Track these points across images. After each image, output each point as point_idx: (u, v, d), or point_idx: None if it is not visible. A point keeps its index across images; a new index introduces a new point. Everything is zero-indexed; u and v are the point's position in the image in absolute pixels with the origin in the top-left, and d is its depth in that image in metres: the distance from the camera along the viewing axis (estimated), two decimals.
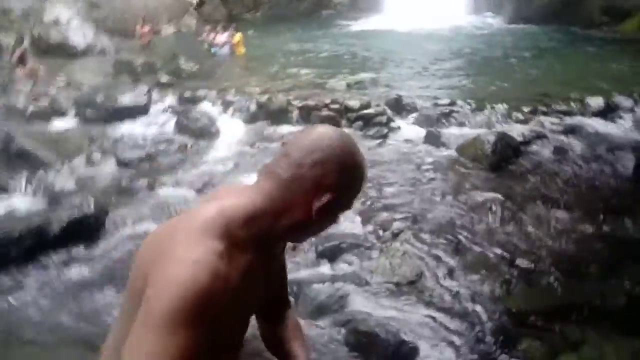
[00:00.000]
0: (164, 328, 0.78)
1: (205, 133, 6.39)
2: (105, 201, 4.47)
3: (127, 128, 6.64)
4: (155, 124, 6.80)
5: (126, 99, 7.06)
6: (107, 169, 5.56)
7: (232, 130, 6.52)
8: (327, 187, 0.96)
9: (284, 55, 10.58)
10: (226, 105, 7.03)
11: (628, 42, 10.63)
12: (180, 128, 6.49)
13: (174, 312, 0.79)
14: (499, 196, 4.29)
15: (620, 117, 5.94)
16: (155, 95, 7.52)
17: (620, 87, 6.68)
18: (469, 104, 6.27)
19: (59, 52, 11.03)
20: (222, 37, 11.10)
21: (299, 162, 0.96)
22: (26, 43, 10.57)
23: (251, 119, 6.70)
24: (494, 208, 4.09)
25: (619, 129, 5.69)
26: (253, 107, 6.76)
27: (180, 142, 6.16)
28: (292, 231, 1.00)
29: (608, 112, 5.99)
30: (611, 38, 11.18)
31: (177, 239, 0.88)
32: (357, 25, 15.55)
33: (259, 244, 0.95)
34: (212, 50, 11.08)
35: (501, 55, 9.83)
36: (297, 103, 6.65)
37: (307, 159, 0.96)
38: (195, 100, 7.21)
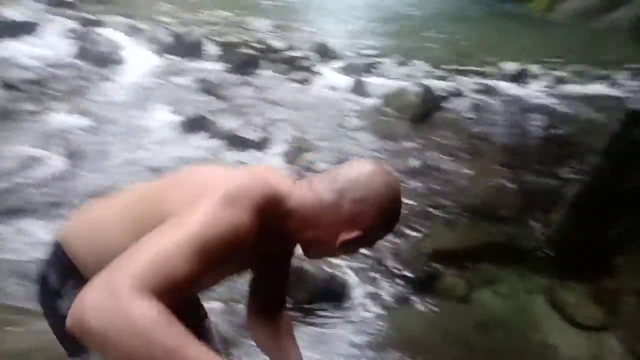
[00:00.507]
0: (223, 201, 0.81)
1: (110, 60, 5.70)
2: None
3: (15, 47, 5.73)
4: (50, 46, 5.93)
5: (12, 13, 6.07)
6: None
7: (140, 60, 5.90)
8: (360, 225, 0.97)
9: None
10: (135, 32, 6.33)
11: (534, 19, 11.28)
12: (80, 52, 5.72)
13: (232, 193, 0.83)
14: (421, 146, 4.33)
15: (531, 83, 6.25)
16: (50, 14, 6.57)
17: (530, 57, 7.04)
18: (393, 57, 6.23)
19: None
20: None
21: (343, 193, 0.97)
22: None
23: (163, 50, 6.10)
24: (415, 156, 4.10)
25: (529, 93, 5.98)
26: (166, 37, 6.15)
27: (79, 67, 5.45)
28: (309, 245, 1.03)
29: (520, 77, 6.28)
30: (521, 13, 11.77)
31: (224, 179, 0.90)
32: None
33: (275, 235, 0.95)
34: None
35: (421, 17, 9.94)
36: (216, 38, 6.17)
37: (351, 193, 0.96)
38: (99, 24, 6.39)
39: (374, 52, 6.24)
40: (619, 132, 3.03)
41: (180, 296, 0.73)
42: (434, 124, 4.84)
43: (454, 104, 5.33)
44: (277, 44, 5.93)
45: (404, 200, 3.18)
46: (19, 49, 5.69)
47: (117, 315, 0.65)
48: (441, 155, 4.20)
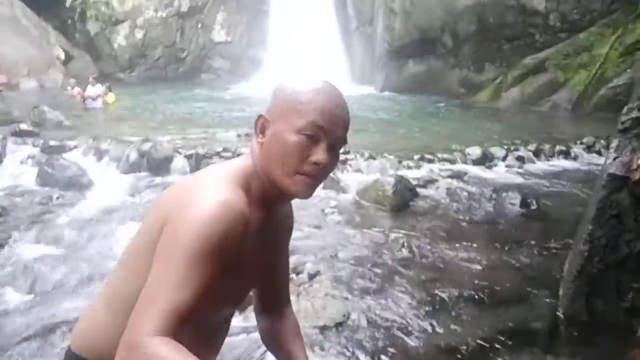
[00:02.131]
0: (191, 258, 0.86)
1: (75, 184, 5.54)
2: None
3: None
4: (11, 175, 5.77)
5: None
6: None
7: (107, 181, 5.77)
8: (276, 112, 0.99)
9: (164, 112, 10.04)
10: (100, 154, 6.27)
11: (483, 108, 12.05)
12: (44, 179, 5.56)
13: (200, 245, 0.86)
14: (406, 234, 4.23)
15: (496, 165, 6.45)
16: (11, 145, 6.47)
17: (489, 141, 7.36)
18: (361, 153, 6.34)
19: None
20: (94, 90, 10.25)
21: (275, 97, 1.02)
22: None
23: (130, 168, 6.02)
24: (403, 245, 3.97)
25: (497, 173, 6.15)
26: (133, 155, 6.09)
27: (43, 194, 5.24)
28: (268, 173, 0.98)
29: (485, 160, 6.47)
30: (469, 105, 12.57)
31: (201, 185, 0.95)
32: (238, 89, 15.61)
33: (264, 202, 1.00)
34: (85, 102, 10.16)
35: (380, 116, 10.44)
36: (184, 152, 6.16)
37: (281, 94, 1.01)
38: (63, 150, 6.32)
39: (342, 149, 6.33)
40: (603, 198, 3.02)
41: (192, 320, 0.86)
42: (414, 212, 4.80)
43: (429, 190, 5.36)
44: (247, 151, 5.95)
45: (405, 290, 2.98)
46: None
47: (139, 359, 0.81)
48: (428, 242, 4.10)
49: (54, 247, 4.15)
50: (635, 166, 3.02)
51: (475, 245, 4.13)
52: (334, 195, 5.16)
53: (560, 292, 3.14)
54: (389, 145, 7.01)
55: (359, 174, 5.76)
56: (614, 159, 3.12)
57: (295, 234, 3.97)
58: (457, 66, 13.83)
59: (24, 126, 6.78)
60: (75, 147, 6.44)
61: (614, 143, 3.39)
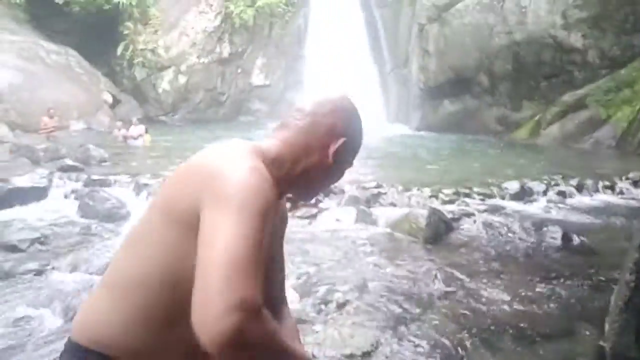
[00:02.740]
0: (241, 213, 0.85)
1: (114, 216, 5.71)
2: None
3: (21, 211, 5.78)
4: (55, 207, 6.01)
5: (22, 180, 6.25)
6: None
7: None
8: (340, 132, 1.09)
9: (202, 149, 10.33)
10: (139, 188, 6.46)
11: (522, 146, 11.81)
12: (84, 211, 5.75)
13: (245, 201, 0.86)
14: (439, 267, 4.08)
15: (536, 200, 6.23)
16: (58, 180, 6.78)
17: (528, 176, 7.15)
18: (395, 187, 6.28)
19: None
20: (136, 129, 10.72)
21: (314, 112, 1.09)
22: None
23: None
24: (437, 277, 3.83)
25: (536, 208, 5.93)
26: None
27: (83, 225, 5.41)
28: (306, 176, 1.07)
29: (524, 195, 6.28)
30: (507, 143, 12.35)
31: (229, 155, 0.97)
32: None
33: (276, 187, 1.00)
34: (127, 141, 10.63)
35: (414, 154, 10.38)
36: None
37: (320, 109, 1.09)
38: (104, 184, 6.56)
39: (375, 183, 6.30)
40: None
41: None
42: (448, 245, 4.66)
43: (464, 224, 5.21)
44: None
45: (439, 323, 2.87)
46: (27, 213, 5.75)
47: (261, 328, 0.80)
48: (464, 275, 3.94)
49: (90, 274, 4.23)
50: None
51: (514, 279, 3.94)
52: (365, 227, 5.09)
53: (607, 326, 2.94)
54: (422, 180, 6.92)
55: (392, 207, 5.69)
56: None
57: (325, 263, 3.92)
58: (494, 104, 13.72)
59: (69, 162, 7.10)
60: (116, 181, 6.67)
61: None
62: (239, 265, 0.79)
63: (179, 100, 17.81)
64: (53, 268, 4.27)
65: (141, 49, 17.22)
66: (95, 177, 6.66)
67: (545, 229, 5.01)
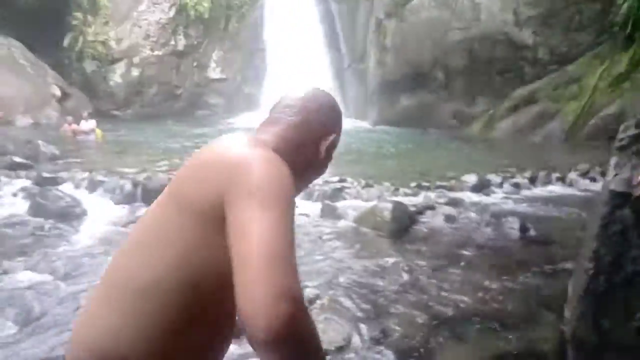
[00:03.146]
0: (272, 205, 0.84)
1: (69, 214, 5.45)
2: None
3: None
4: (3, 207, 5.67)
5: None
6: None
7: (101, 212, 5.68)
8: (330, 128, 1.13)
9: (156, 146, 10.06)
10: (94, 185, 6.21)
11: (477, 140, 12.17)
12: (36, 210, 5.46)
13: (275, 192, 0.86)
14: (405, 259, 4.14)
15: (494, 192, 6.43)
16: (4, 178, 6.40)
17: (485, 169, 7.36)
18: (357, 181, 6.32)
19: None
20: (87, 125, 10.29)
21: (305, 108, 1.11)
22: None
23: (125, 199, 5.95)
24: (404, 270, 3.89)
25: (494, 200, 6.12)
26: (128, 186, 6.04)
27: (36, 225, 5.14)
28: (298, 171, 1.04)
29: (482, 187, 6.46)
30: (462, 137, 12.70)
31: (243, 150, 0.97)
32: (232, 124, 15.73)
33: None
34: (77, 137, 10.18)
35: (375, 148, 10.49)
36: None
37: (310, 105, 1.12)
38: (56, 182, 6.25)
39: (338, 178, 6.32)
40: (607, 215, 2.98)
41: None
42: (413, 238, 4.73)
43: (427, 217, 5.31)
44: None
45: (407, 314, 2.90)
46: None
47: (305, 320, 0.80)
48: (429, 267, 4.01)
49: (44, 276, 4.02)
50: (636, 182, 3.01)
51: (477, 269, 4.04)
52: (331, 222, 5.10)
53: (566, 313, 3.06)
54: (384, 174, 7.01)
55: (356, 201, 5.72)
56: (614, 175, 3.10)
57: None
58: (449, 99, 14.05)
59: (17, 159, 6.73)
60: (69, 178, 6.37)
61: (613, 161, 3.39)
62: (279, 256, 0.79)
63: (132, 94, 17.23)
64: (3, 272, 4.03)
65: (91, 41, 16.51)
66: (46, 174, 6.35)
67: (503, 219, 5.17)
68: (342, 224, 5.10)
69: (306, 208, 5.50)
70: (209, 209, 0.89)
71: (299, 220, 5.18)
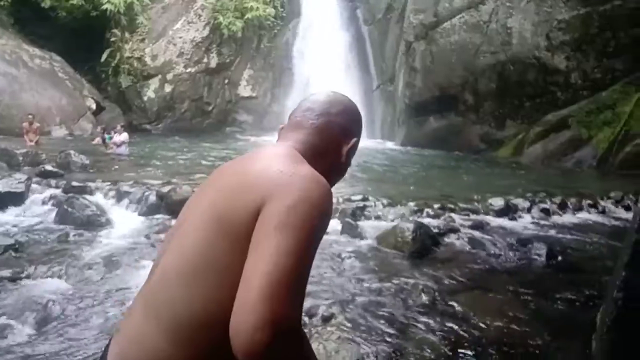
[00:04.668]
0: (312, 233, 0.84)
1: (93, 223, 5.56)
2: None
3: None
4: (32, 213, 5.83)
5: None
6: None
7: (125, 222, 5.76)
8: (352, 132, 1.13)
9: (185, 160, 10.22)
10: (120, 196, 6.32)
11: (505, 164, 11.93)
12: (63, 217, 5.59)
13: (319, 219, 0.86)
14: (426, 282, 4.04)
15: (521, 216, 6.25)
16: (36, 185, 6.59)
17: (512, 193, 7.18)
18: (380, 201, 6.25)
19: None
20: (120, 137, 10.55)
21: (327, 112, 1.11)
22: None
23: (149, 210, 6.02)
24: (423, 292, 3.78)
25: (521, 225, 5.94)
26: (152, 198, 6.12)
27: (60, 232, 5.25)
28: (325, 176, 1.00)
29: (508, 211, 6.29)
30: (491, 160, 12.47)
31: (291, 162, 0.96)
32: (259, 141, 15.90)
33: None
34: (110, 148, 10.45)
35: (400, 168, 10.39)
36: None
37: (332, 109, 1.12)
38: (84, 191, 6.39)
39: (361, 196, 6.26)
40: (637, 242, 2.85)
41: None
42: (435, 260, 4.62)
43: (450, 239, 5.19)
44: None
45: (423, 338, 2.79)
46: (3, 219, 5.57)
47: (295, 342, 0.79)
48: (450, 290, 3.90)
49: (65, 283, 4.08)
50: None
51: (499, 295, 3.91)
52: (351, 241, 5.03)
53: (594, 344, 2.91)
54: (408, 195, 6.90)
55: (378, 221, 5.65)
56: None
57: (310, 276, 3.85)
58: (478, 122, 13.87)
59: (48, 167, 6.93)
60: (97, 188, 6.51)
61: None
62: (284, 282, 0.78)
63: (164, 109, 17.66)
64: (27, 276, 4.11)
65: (127, 57, 17.07)
66: (75, 183, 6.49)
67: (529, 245, 5.01)
68: (362, 242, 5.03)
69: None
70: (250, 228, 0.87)
71: None
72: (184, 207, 1.08)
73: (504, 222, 6.02)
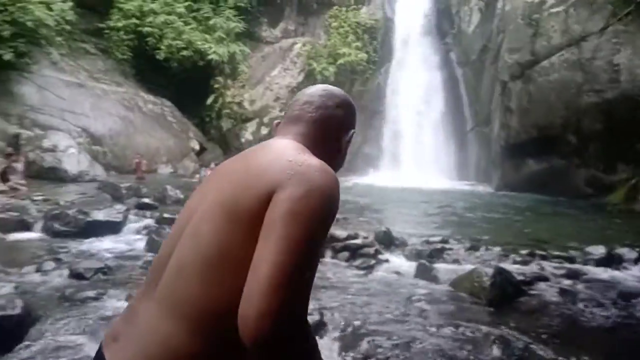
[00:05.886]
0: (314, 223, 0.85)
1: None
2: (37, 307, 3.81)
3: (96, 242, 6.13)
4: (126, 241, 6.31)
5: (100, 215, 6.68)
6: (58, 278, 4.91)
7: None
8: (349, 124, 1.16)
9: None
10: None
11: (614, 211, 10.73)
12: (151, 245, 5.96)
13: (328, 213, 0.89)
14: (501, 332, 3.65)
15: (626, 268, 5.52)
16: (134, 215, 7.17)
17: (618, 242, 6.40)
18: (462, 243, 5.90)
19: (51, 175, 11.00)
20: None
21: (324, 105, 1.12)
22: (19, 165, 10.51)
23: None
24: (496, 344, 3.42)
25: (626, 277, 5.23)
26: None
27: (147, 259, 5.59)
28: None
29: (612, 261, 5.59)
30: (598, 206, 11.32)
31: (286, 153, 0.98)
32: (352, 181, 16.00)
33: None
34: None
35: (491, 212, 9.79)
36: None
37: (329, 102, 1.13)
38: (173, 221, 6.81)
39: (440, 238, 5.96)
40: None
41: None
42: (515, 309, 4.19)
43: (538, 288, 4.70)
44: (339, 232, 5.86)
45: None
46: (100, 245, 6.09)
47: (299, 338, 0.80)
48: (529, 344, 3.48)
49: None
50: None
51: (591, 355, 3.41)
52: (424, 283, 4.76)
53: None
54: (496, 239, 6.45)
55: (456, 265, 5.30)
56: None
57: (374, 317, 3.68)
58: (583, 165, 12.77)
59: (146, 200, 7.50)
60: None
61: None
62: (292, 272, 0.79)
63: None
64: (108, 297, 4.40)
65: (229, 102, 18.36)
66: (166, 215, 6.95)
67: (634, 300, 4.38)
68: (436, 286, 4.72)
69: (400, 266, 5.24)
70: (262, 219, 0.89)
71: (387, 278, 4.93)
72: (184, 207, 1.08)
73: (604, 273, 5.35)
